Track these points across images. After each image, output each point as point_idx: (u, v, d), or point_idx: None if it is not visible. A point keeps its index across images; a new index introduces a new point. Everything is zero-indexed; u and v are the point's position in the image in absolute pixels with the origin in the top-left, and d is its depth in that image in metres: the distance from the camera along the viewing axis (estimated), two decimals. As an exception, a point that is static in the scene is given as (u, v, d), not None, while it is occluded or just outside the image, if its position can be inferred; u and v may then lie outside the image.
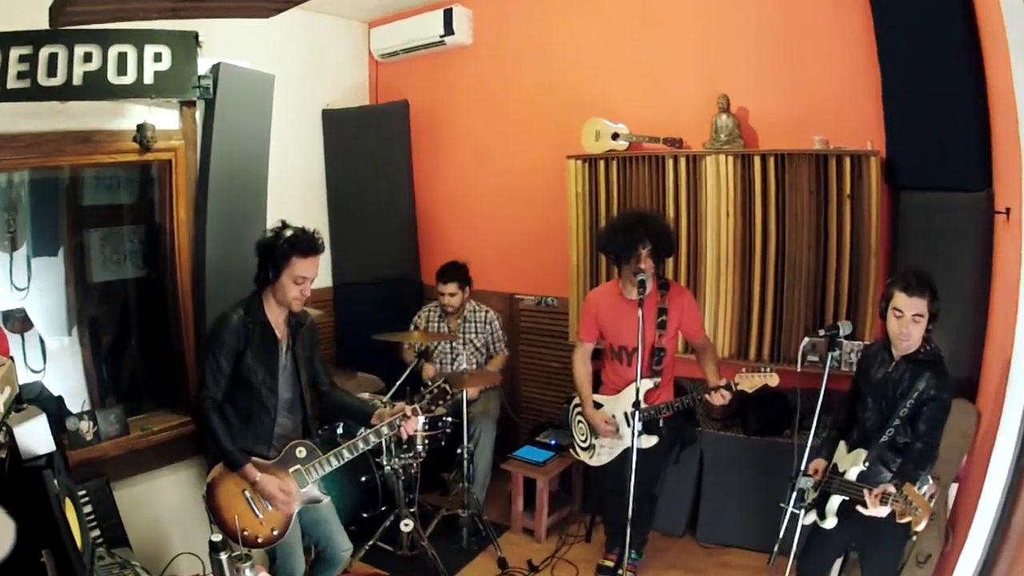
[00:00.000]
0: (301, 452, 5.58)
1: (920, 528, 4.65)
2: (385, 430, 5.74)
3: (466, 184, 9.69)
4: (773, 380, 5.88)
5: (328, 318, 9.46)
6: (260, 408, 5.47)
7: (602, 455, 6.76)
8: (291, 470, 5.53)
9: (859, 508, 4.96)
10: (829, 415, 5.78)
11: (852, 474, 5.19)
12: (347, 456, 5.65)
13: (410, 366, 7.92)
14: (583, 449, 6.94)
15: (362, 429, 5.82)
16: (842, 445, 5.51)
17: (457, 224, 9.80)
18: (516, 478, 8.00)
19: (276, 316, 5.56)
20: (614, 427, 6.61)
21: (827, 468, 5.50)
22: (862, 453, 5.22)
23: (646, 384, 6.31)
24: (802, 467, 5.26)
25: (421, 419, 7.01)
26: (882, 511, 4.80)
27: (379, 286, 9.56)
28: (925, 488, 4.91)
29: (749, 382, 5.94)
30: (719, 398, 6.10)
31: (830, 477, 5.37)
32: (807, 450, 5.28)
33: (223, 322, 5.40)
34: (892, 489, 4.74)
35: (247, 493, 5.38)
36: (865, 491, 4.88)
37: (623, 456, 6.49)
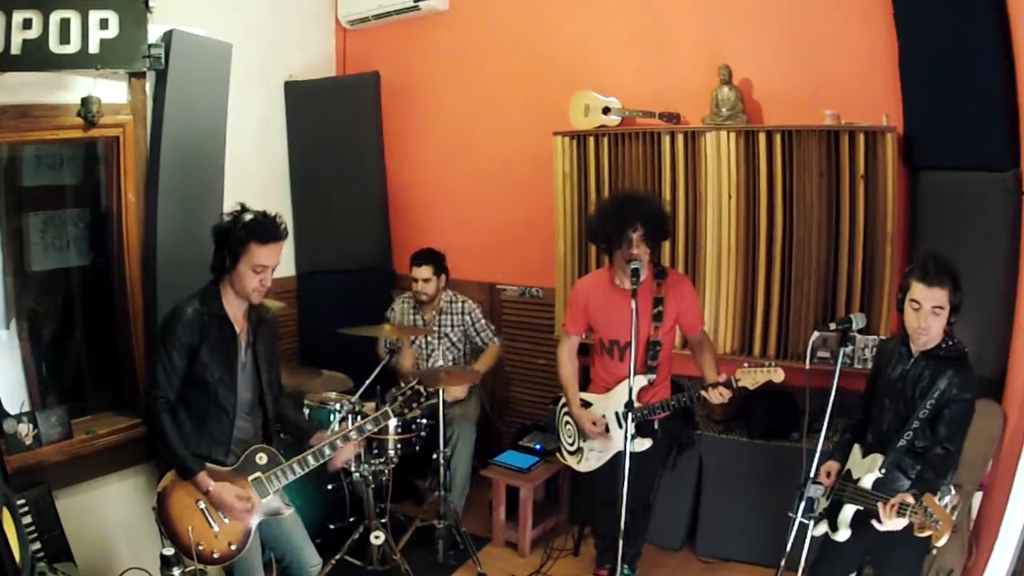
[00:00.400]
0: (262, 459, 5.53)
1: (940, 544, 4.62)
2: (353, 435, 5.74)
3: (443, 164, 9.65)
4: (778, 376, 5.86)
5: (291, 310, 9.40)
6: (217, 409, 5.42)
7: (591, 460, 6.70)
8: (250, 478, 5.47)
9: (874, 522, 4.92)
10: (841, 417, 5.78)
11: (867, 481, 5.15)
12: (312, 463, 5.61)
13: (381, 363, 7.86)
14: (570, 453, 6.89)
15: (328, 431, 5.79)
16: (856, 450, 5.48)
17: (433, 207, 9.76)
18: (497, 486, 7.97)
19: (235, 309, 5.51)
20: (602, 428, 6.55)
21: (840, 471, 5.48)
22: (878, 459, 5.19)
23: (640, 381, 6.28)
24: (811, 474, 5.19)
25: (393, 421, 7.00)
26: (898, 523, 4.76)
27: (347, 275, 9.51)
28: (947, 499, 4.87)
29: (751, 378, 5.91)
30: (717, 396, 6.04)
31: (843, 484, 5.34)
32: (817, 455, 5.19)
33: (177, 315, 5.35)
34: (910, 499, 4.70)
35: (202, 504, 5.32)
36: (880, 505, 4.85)
37: (614, 461, 6.42)
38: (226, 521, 5.36)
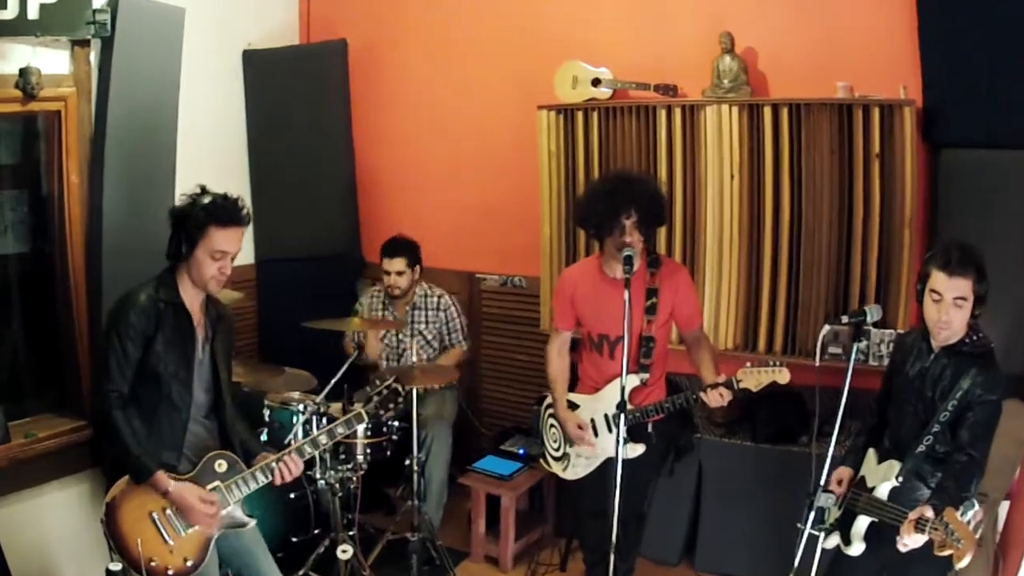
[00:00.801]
0: (221, 466, 5.44)
1: (962, 565, 4.55)
2: (324, 439, 5.70)
3: (416, 141, 9.59)
4: (783, 377, 5.79)
5: (249, 301, 9.36)
6: (169, 407, 5.34)
7: (578, 467, 6.63)
8: (209, 487, 5.38)
9: (898, 540, 4.86)
10: (855, 419, 5.74)
11: (883, 491, 5.11)
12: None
13: (348, 360, 7.80)
14: (556, 459, 6.83)
15: (291, 437, 5.73)
16: (871, 455, 5.44)
17: (406, 190, 9.71)
18: (477, 495, 7.92)
19: (192, 299, 5.45)
20: (589, 433, 6.48)
21: (853, 479, 5.44)
22: (895, 465, 5.15)
23: (632, 381, 6.19)
24: (822, 481, 5.16)
25: (362, 427, 6.94)
26: (917, 540, 4.70)
27: (311, 263, 9.50)
28: (970, 514, 4.80)
29: (754, 379, 5.85)
30: (717, 397, 5.96)
31: (856, 494, 5.30)
32: (828, 461, 5.16)
33: (129, 301, 5.28)
34: (930, 513, 4.64)
35: (155, 515, 5.24)
36: (902, 527, 4.79)
37: (604, 468, 6.35)
38: (182, 534, 5.28)
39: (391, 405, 5.92)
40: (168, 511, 5.25)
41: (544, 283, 8.53)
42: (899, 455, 5.17)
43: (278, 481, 5.51)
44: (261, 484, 5.51)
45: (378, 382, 6.03)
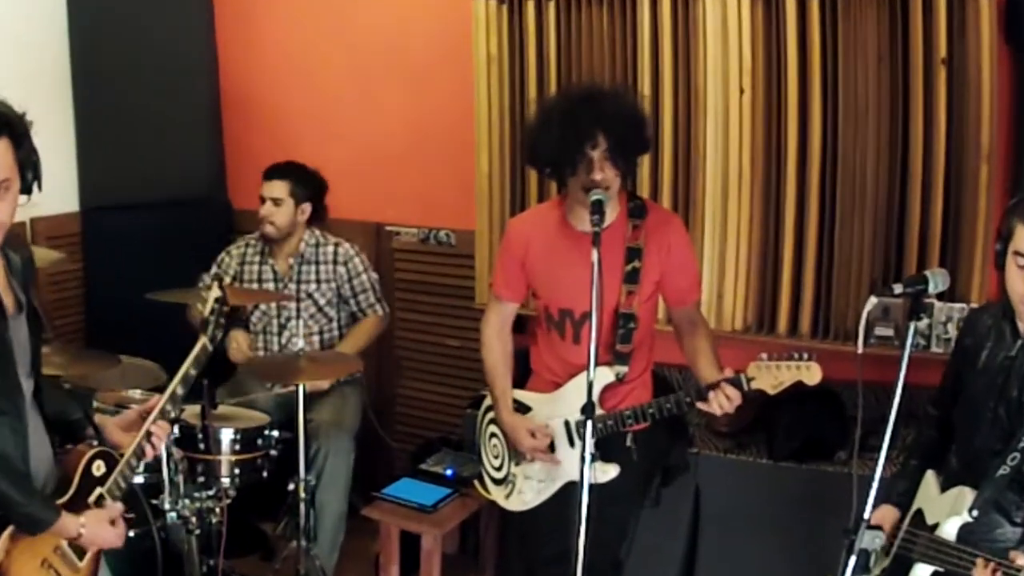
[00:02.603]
0: (100, 468, 5.29)
1: None
2: (180, 391, 5.52)
3: (305, 49, 9.57)
4: (812, 375, 5.63)
5: (74, 264, 9.16)
6: (7, 431, 5.06)
7: (528, 493, 6.57)
8: (92, 499, 5.23)
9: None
10: (910, 427, 5.66)
11: (949, 529, 5.02)
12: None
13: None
14: (497, 483, 6.78)
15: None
16: (930, 480, 5.36)
17: (290, 114, 9.70)
18: (387, 532, 7.78)
19: None
20: (547, 444, 6.40)
21: (901, 521, 5.36)
22: (966, 494, 5.05)
23: (605, 375, 6.13)
24: (866, 514, 5.07)
25: (228, 432, 6.83)
26: (1006, 598, 4.64)
27: (158, 212, 9.43)
28: (1076, 560, 4.76)
29: (771, 377, 5.70)
30: (722, 402, 5.79)
31: (913, 533, 5.23)
32: (874, 485, 5.02)
33: None
34: (1022, 560, 4.57)
35: (50, 561, 5.12)
36: (976, 564, 4.71)
37: (565, 496, 6.26)
38: (80, 565, 5.21)
39: (225, 323, 5.81)
40: (61, 548, 5.14)
41: (480, 239, 8.50)
42: (972, 479, 5.07)
43: (150, 456, 5.41)
44: (140, 471, 5.65)
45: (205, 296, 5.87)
